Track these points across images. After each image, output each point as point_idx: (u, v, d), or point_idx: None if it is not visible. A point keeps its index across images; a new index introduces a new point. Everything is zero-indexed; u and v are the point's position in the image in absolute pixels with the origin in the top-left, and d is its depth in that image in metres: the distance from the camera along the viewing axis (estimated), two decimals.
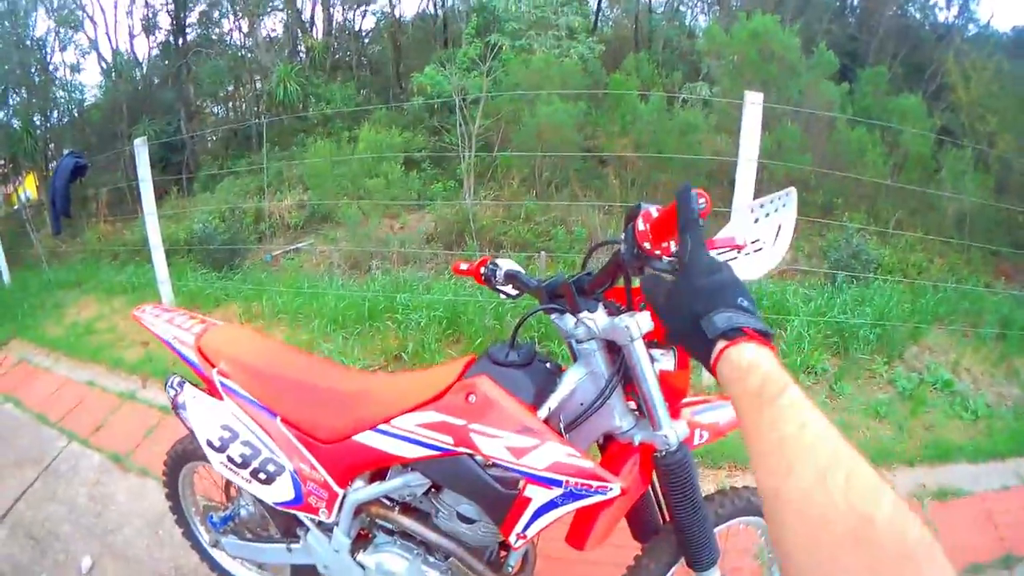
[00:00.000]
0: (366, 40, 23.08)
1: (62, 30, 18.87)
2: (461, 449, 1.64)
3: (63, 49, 19.34)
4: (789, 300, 5.77)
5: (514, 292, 2.03)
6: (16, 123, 17.34)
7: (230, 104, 21.60)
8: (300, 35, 19.94)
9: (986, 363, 5.18)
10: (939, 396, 4.73)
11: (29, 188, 18.07)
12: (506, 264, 2.03)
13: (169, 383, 2.23)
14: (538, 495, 1.58)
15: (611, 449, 1.70)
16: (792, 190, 1.57)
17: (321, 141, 13.51)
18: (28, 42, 18.30)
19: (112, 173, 15.55)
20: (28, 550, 3.68)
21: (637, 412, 1.69)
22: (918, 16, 20.16)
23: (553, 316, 1.70)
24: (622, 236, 1.40)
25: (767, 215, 1.59)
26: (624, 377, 1.61)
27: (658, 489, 1.84)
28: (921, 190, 9.51)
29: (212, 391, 2.12)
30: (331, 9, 21.42)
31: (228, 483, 2.59)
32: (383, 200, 10.47)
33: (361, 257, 9.07)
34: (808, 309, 5.53)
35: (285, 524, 2.29)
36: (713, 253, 1.27)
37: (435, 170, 12.72)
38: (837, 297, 5.92)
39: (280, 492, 1.99)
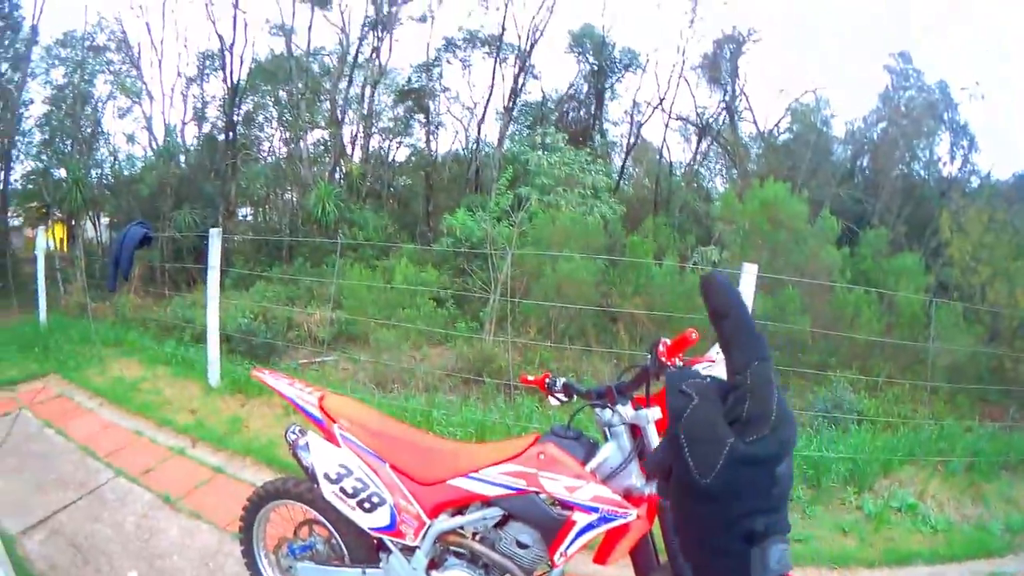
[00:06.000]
0: (397, 171, 24.29)
1: (120, 98, 19.87)
2: (531, 489, 2.44)
3: (121, 117, 20.59)
4: None
5: (564, 398, 2.80)
6: (62, 173, 17.86)
7: (263, 208, 22.36)
8: (339, 157, 20.82)
9: (953, 491, 5.41)
10: (903, 517, 5.03)
11: (56, 238, 18.26)
12: (562, 378, 2.81)
13: (290, 430, 2.96)
14: (581, 519, 2.34)
15: (630, 500, 2.41)
16: None
17: (355, 265, 14.13)
18: (89, 100, 19.17)
19: (147, 250, 15.83)
20: (69, 555, 3.97)
21: (646, 477, 2.48)
22: (923, 174, 21.05)
23: (596, 409, 2.54)
24: (648, 358, 2.37)
25: None
26: (640, 452, 2.46)
27: (651, 540, 2.65)
28: (911, 344, 9.92)
29: (330, 439, 2.87)
30: (369, 137, 22.62)
31: (299, 524, 3.24)
32: (413, 329, 10.99)
33: (384, 379, 9.43)
34: None
35: (366, 552, 2.95)
36: (698, 366, 2.37)
37: (457, 310, 13.18)
38: (815, 438, 6.21)
39: (379, 519, 2.71)
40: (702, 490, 1.00)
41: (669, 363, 2.33)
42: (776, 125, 23.86)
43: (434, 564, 2.75)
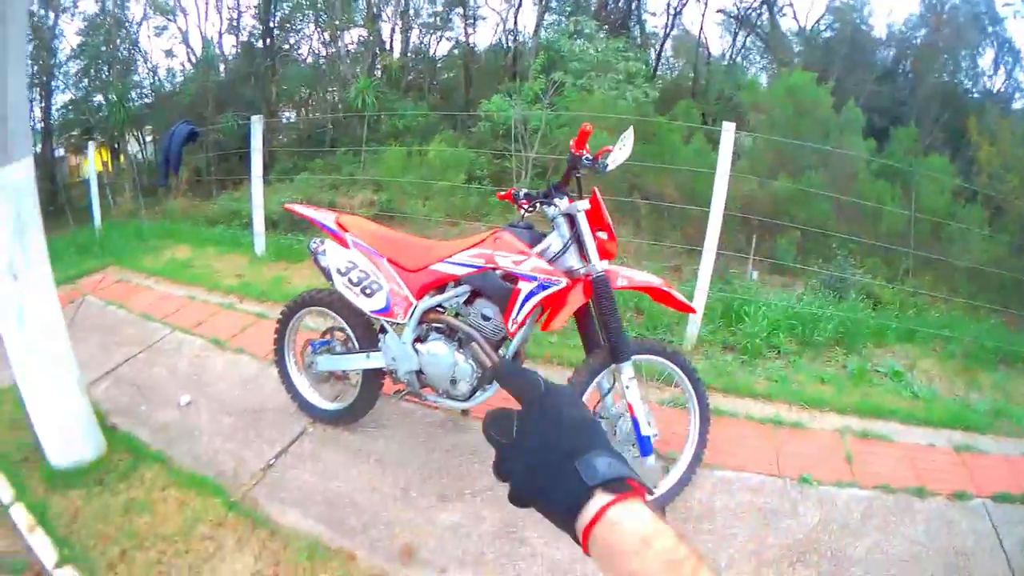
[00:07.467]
0: (439, 65, 24.44)
1: (154, 17, 20.04)
2: (488, 266, 3.08)
3: (158, 35, 20.81)
4: (769, 295, 6.33)
5: (527, 206, 3.30)
6: (103, 97, 18.50)
7: (306, 108, 22.68)
8: (378, 53, 20.91)
9: (946, 371, 5.22)
10: (886, 380, 4.96)
11: (100, 161, 18.23)
12: (524, 189, 3.36)
13: (313, 242, 3.63)
14: (524, 287, 2.97)
15: (572, 279, 3.05)
16: (631, 129, 3.11)
17: (394, 149, 14.65)
18: (125, 24, 19.62)
19: (193, 154, 16.35)
20: (130, 393, 4.66)
21: (583, 260, 3.10)
22: (968, 84, 20.81)
23: (544, 207, 3.16)
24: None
25: (624, 142, 3.10)
26: (576, 237, 3.07)
27: (594, 320, 3.27)
28: (934, 219, 9.97)
29: (343, 245, 3.55)
30: (409, 32, 22.67)
31: (323, 333, 3.99)
32: (446, 203, 11.74)
33: None
34: (783, 305, 5.79)
35: (371, 340, 3.66)
36: (606, 154, 3.06)
37: (494, 188, 13.47)
38: (812, 299, 6.29)
39: (377, 302, 3.39)
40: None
41: (578, 154, 2.97)
42: (817, 22, 23.44)
43: (419, 340, 3.42)
